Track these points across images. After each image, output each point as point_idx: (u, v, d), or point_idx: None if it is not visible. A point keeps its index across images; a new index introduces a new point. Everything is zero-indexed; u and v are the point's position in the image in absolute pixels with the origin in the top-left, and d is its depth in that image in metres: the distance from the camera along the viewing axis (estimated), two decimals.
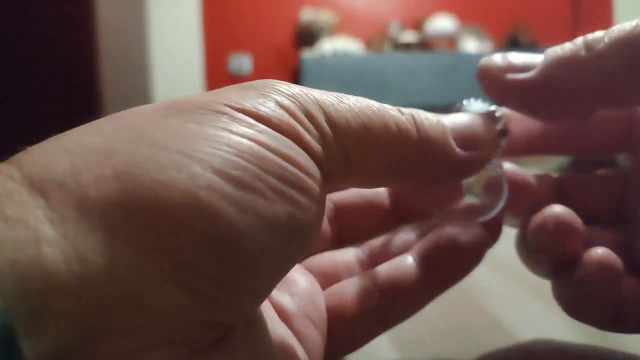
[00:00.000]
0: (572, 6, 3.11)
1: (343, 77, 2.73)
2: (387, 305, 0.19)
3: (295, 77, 2.95)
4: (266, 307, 0.17)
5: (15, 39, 1.88)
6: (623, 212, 0.21)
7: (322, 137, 0.14)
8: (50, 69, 1.94)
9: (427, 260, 0.20)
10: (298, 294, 0.19)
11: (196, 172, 0.12)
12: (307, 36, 2.93)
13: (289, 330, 0.17)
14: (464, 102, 0.20)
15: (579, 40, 0.19)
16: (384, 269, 0.20)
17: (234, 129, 0.13)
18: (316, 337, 0.18)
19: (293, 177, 0.13)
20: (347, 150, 0.15)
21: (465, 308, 0.29)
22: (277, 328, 0.17)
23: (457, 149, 0.17)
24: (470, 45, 2.91)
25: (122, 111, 0.14)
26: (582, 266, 0.19)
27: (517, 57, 0.20)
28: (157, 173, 0.11)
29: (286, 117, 0.14)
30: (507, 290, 0.31)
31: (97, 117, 0.14)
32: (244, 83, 0.15)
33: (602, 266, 0.18)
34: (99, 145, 0.12)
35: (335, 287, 0.20)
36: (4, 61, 1.81)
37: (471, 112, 0.19)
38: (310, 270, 0.21)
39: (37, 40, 1.89)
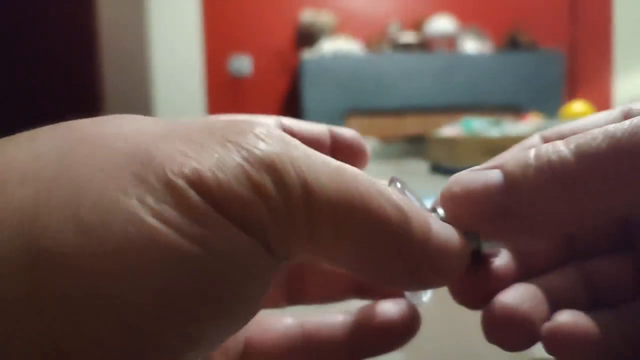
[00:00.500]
0: (571, 7, 3.11)
1: (343, 78, 2.73)
2: (304, 354, 0.19)
3: (295, 78, 2.95)
4: None
5: (15, 39, 1.88)
6: (628, 238, 0.19)
7: (287, 215, 0.12)
8: (51, 68, 1.94)
9: (356, 328, 0.20)
10: None
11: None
12: (307, 37, 2.93)
13: None
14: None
15: (542, 159, 0.16)
16: (313, 320, 0.20)
17: (169, 215, 0.11)
18: None
19: (224, 277, 0.11)
20: (315, 229, 0.13)
21: (459, 306, 0.29)
22: None
23: (427, 270, 0.14)
24: (470, 45, 2.91)
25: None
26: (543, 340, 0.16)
27: (475, 182, 0.16)
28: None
29: (251, 202, 0.12)
30: None
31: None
32: (220, 122, 0.13)
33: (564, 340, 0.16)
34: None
35: (260, 319, 0.20)
36: (4, 61, 1.81)
37: (450, 227, 0.16)
38: None
39: (37, 40, 1.89)
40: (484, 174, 0.16)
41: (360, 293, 0.21)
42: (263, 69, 2.99)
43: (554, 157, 0.15)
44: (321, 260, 0.14)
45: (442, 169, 1.24)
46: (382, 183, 0.14)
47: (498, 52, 2.89)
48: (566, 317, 0.16)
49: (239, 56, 2.97)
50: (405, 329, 0.19)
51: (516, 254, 0.19)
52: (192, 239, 0.11)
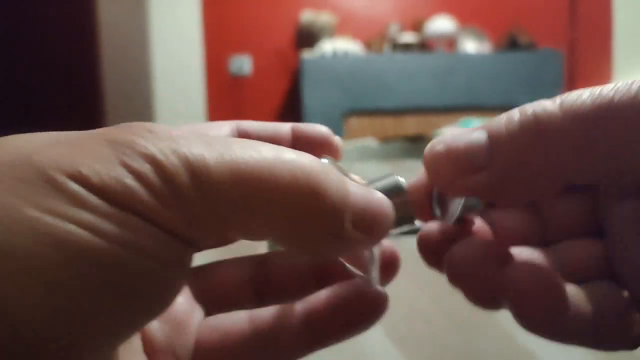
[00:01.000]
0: (571, 7, 3.11)
1: (343, 78, 2.73)
2: (257, 349, 0.19)
3: (296, 78, 2.95)
4: (134, 336, 0.17)
5: (15, 39, 1.88)
6: (599, 226, 0.19)
7: (175, 199, 0.12)
8: (52, 68, 1.94)
9: (313, 316, 0.19)
10: (169, 321, 0.18)
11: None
12: (307, 37, 2.93)
13: None
14: (378, 181, 0.18)
15: (527, 112, 0.16)
16: (265, 313, 0.19)
17: (56, 206, 0.11)
18: None
19: (123, 261, 0.12)
20: (220, 209, 0.13)
21: (460, 303, 0.29)
22: None
23: (351, 229, 0.15)
24: (470, 46, 2.91)
25: None
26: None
27: (458, 141, 0.17)
28: None
29: (129, 186, 0.12)
30: None
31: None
32: (109, 129, 0.13)
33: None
34: None
35: (213, 319, 0.20)
36: (4, 61, 1.81)
37: (380, 190, 0.16)
38: (202, 292, 0.20)
39: (37, 41, 1.90)
40: (467, 134, 0.17)
41: (322, 285, 0.20)
42: (263, 69, 2.99)
43: (539, 110, 0.16)
44: (244, 237, 0.14)
45: None
46: (295, 152, 0.14)
47: (497, 52, 2.89)
48: (522, 252, 0.17)
49: (239, 56, 2.97)
50: (362, 312, 0.19)
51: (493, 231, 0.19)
52: (84, 226, 0.11)
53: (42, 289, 0.11)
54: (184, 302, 0.19)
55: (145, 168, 0.12)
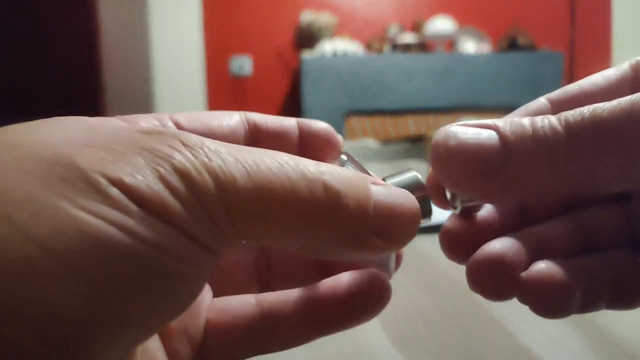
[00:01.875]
0: (571, 8, 3.11)
1: (343, 78, 2.73)
2: (264, 332, 0.19)
3: (296, 78, 2.95)
4: None
5: (15, 39, 1.88)
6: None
7: (202, 211, 0.13)
8: (52, 69, 1.94)
9: (312, 303, 0.19)
10: None
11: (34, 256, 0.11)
12: (307, 37, 2.94)
13: (161, 345, 0.18)
14: (396, 177, 0.18)
15: (540, 119, 0.17)
16: (271, 297, 0.20)
17: (99, 209, 0.12)
18: (186, 355, 0.18)
19: (155, 264, 0.12)
20: (244, 223, 0.14)
21: (461, 304, 0.29)
22: (150, 342, 0.17)
23: (374, 239, 0.15)
24: (469, 46, 2.91)
25: None
26: (518, 289, 0.18)
27: (469, 140, 0.17)
28: None
29: (165, 199, 0.13)
30: None
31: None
32: (143, 134, 0.14)
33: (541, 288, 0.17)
34: None
35: (221, 301, 0.20)
36: (4, 61, 1.82)
37: (400, 190, 0.16)
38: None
39: (38, 41, 1.90)
40: (478, 133, 0.17)
41: (326, 272, 0.21)
42: (263, 70, 2.99)
43: (549, 131, 0.16)
44: (263, 244, 0.15)
45: None
46: (309, 160, 0.15)
47: (497, 53, 2.89)
48: (540, 267, 0.17)
49: (239, 57, 2.97)
50: (364, 301, 0.19)
51: (513, 204, 0.20)
52: (121, 228, 0.12)
53: (87, 288, 0.11)
54: None
55: (180, 184, 0.13)
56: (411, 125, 2.78)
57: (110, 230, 0.12)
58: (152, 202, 0.13)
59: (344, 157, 0.18)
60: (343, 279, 0.19)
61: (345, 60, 2.76)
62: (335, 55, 2.77)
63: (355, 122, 2.76)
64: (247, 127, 0.21)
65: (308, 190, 0.14)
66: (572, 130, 0.16)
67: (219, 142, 0.14)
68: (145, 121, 0.18)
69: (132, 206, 0.12)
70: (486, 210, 0.20)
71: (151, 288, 0.12)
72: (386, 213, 0.15)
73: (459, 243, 0.19)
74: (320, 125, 0.21)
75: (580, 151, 0.16)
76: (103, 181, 0.12)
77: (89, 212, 0.12)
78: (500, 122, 0.17)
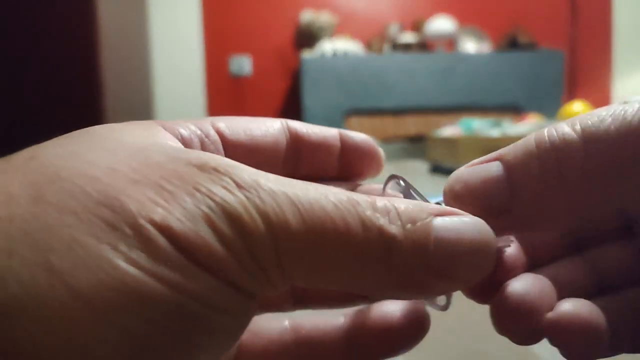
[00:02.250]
0: (571, 7, 3.11)
1: (343, 78, 2.73)
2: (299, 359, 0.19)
3: (296, 78, 2.95)
4: None
5: (15, 39, 1.88)
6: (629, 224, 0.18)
7: (250, 257, 0.13)
8: (52, 69, 1.94)
9: (356, 333, 0.19)
10: None
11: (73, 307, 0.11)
12: (307, 37, 2.93)
13: None
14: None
15: (545, 141, 0.15)
16: (308, 324, 0.19)
17: (142, 260, 0.12)
18: None
19: (198, 318, 0.12)
20: (294, 268, 0.13)
21: (462, 302, 0.29)
22: None
23: (432, 279, 0.14)
24: (470, 46, 2.91)
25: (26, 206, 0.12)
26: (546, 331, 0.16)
27: (475, 178, 0.16)
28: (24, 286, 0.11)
29: (212, 246, 0.12)
30: None
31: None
32: (194, 169, 0.13)
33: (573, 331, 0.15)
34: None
35: (256, 323, 0.20)
36: (4, 61, 1.81)
37: (471, 220, 0.14)
38: None
39: (37, 41, 1.90)
40: (482, 169, 0.16)
41: (366, 297, 0.19)
42: (263, 69, 2.99)
43: (558, 140, 0.14)
44: (310, 286, 0.14)
45: (442, 169, 1.24)
46: (365, 199, 0.14)
47: (498, 52, 2.88)
48: (568, 307, 0.16)
49: (239, 56, 2.97)
50: (407, 333, 0.18)
51: (523, 244, 0.19)
52: (163, 281, 0.12)
53: (118, 335, 0.11)
54: None
55: (229, 230, 0.12)
56: (411, 125, 2.78)
57: (153, 284, 0.11)
58: (196, 249, 0.12)
59: (401, 182, 0.17)
60: (391, 309, 0.18)
61: (345, 59, 2.75)
62: (335, 54, 2.76)
63: (355, 121, 2.76)
64: (289, 137, 0.20)
65: (363, 233, 0.13)
66: (590, 136, 0.14)
67: (272, 177, 0.14)
68: (186, 129, 0.17)
69: (175, 254, 0.12)
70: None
71: (191, 340, 0.12)
72: (451, 250, 0.14)
73: (481, 284, 0.17)
74: (361, 137, 0.21)
75: (600, 160, 0.14)
76: (151, 229, 0.12)
77: (133, 263, 0.11)
78: (505, 149, 0.16)
